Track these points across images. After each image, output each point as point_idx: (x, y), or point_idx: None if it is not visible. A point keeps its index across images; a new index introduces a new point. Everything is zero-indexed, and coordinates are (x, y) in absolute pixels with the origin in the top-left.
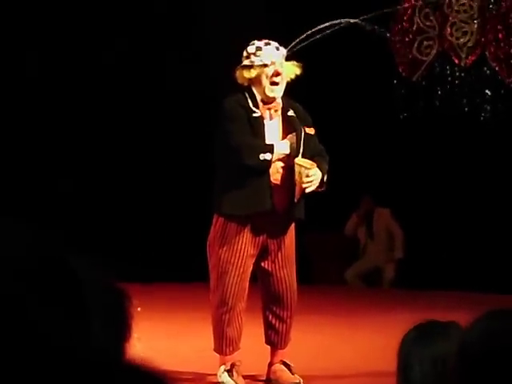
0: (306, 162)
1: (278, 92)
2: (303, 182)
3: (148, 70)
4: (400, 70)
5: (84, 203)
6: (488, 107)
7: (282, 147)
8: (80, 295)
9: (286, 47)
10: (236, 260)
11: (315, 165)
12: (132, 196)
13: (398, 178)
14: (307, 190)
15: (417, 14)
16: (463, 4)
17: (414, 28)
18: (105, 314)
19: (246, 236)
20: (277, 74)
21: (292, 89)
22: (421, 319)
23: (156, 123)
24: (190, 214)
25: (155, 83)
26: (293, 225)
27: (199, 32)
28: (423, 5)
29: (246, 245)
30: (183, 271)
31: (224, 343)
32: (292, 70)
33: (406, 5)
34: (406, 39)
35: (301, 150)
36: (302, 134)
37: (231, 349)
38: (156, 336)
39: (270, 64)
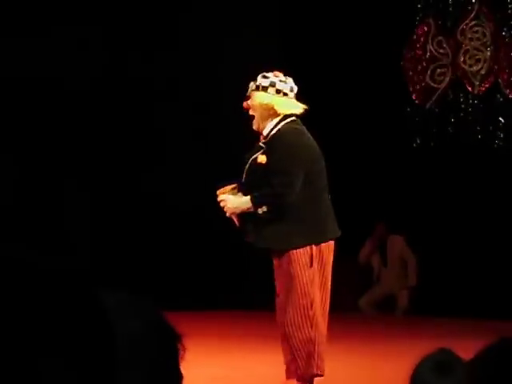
0: (223, 190)
1: (254, 124)
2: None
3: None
4: (413, 98)
5: (115, 230)
6: (501, 134)
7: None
8: (110, 348)
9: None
10: None
11: (225, 191)
12: (160, 224)
13: (412, 206)
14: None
15: (430, 42)
16: (476, 31)
17: (427, 56)
18: (150, 364)
19: None
20: (245, 108)
21: (310, 115)
22: (434, 347)
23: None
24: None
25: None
26: (288, 255)
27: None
28: (436, 32)
29: None
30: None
31: None
32: (259, 98)
33: (420, 32)
34: (419, 67)
35: (241, 180)
36: (249, 163)
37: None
38: None
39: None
